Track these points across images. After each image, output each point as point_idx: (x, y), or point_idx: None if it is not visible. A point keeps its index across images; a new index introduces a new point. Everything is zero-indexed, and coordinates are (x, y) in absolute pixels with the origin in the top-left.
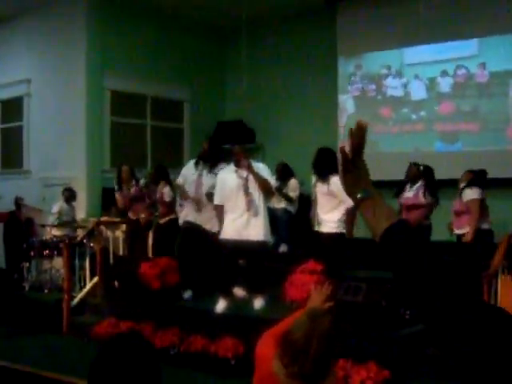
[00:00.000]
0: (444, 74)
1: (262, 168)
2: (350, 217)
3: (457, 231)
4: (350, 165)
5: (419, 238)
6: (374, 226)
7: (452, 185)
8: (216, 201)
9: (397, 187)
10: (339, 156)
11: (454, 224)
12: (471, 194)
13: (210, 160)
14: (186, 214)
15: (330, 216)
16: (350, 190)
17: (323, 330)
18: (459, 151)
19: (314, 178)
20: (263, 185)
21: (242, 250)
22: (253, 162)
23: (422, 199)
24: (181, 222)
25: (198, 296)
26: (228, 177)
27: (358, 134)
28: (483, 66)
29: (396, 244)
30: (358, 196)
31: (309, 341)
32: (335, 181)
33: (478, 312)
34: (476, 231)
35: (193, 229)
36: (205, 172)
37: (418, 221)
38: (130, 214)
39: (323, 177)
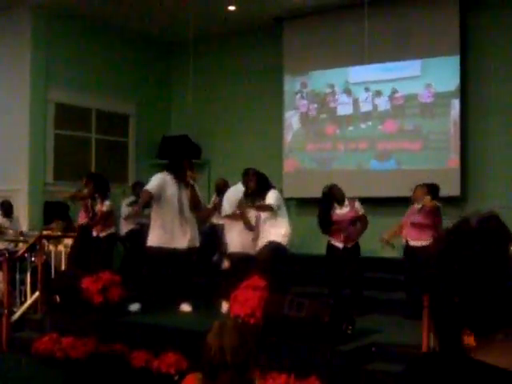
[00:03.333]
0: (387, 93)
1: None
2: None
3: (415, 243)
4: None
5: None
6: None
7: (390, 202)
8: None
9: (322, 206)
10: None
11: (409, 236)
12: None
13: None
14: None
15: (275, 231)
16: None
17: (232, 342)
18: (398, 169)
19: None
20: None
21: None
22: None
23: (360, 211)
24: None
25: (145, 310)
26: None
27: None
28: (426, 86)
29: None
30: None
31: (222, 355)
32: (270, 195)
33: None
34: None
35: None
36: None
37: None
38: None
39: (262, 195)
